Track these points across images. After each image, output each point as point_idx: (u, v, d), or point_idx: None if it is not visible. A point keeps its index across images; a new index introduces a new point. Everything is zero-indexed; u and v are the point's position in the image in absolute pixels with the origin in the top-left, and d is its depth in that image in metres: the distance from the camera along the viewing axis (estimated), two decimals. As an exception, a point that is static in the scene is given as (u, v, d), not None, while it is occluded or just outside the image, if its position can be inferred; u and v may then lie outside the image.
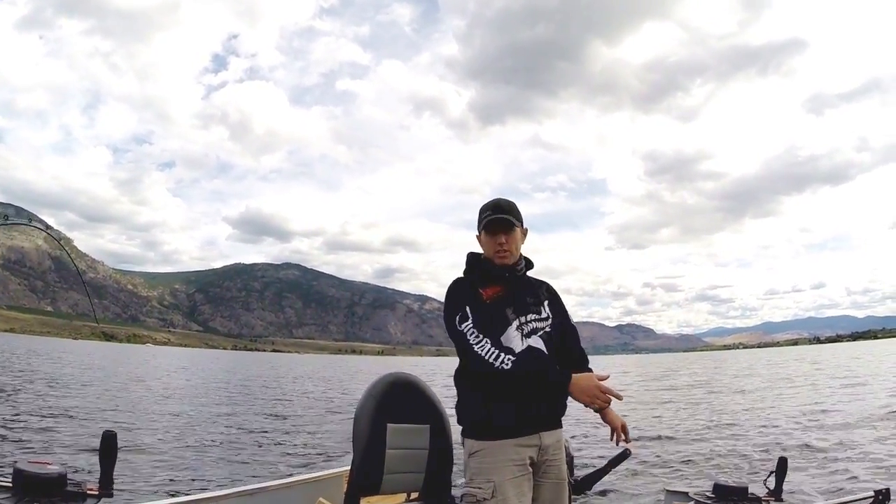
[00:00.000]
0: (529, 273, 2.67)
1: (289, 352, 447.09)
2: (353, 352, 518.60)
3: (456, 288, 2.50)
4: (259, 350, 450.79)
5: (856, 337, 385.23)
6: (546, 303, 2.59)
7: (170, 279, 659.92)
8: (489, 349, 2.29)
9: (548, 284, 2.71)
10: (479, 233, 2.56)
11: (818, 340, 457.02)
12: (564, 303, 2.72)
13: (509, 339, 2.38)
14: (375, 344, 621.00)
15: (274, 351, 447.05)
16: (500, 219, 2.48)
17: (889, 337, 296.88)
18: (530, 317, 2.48)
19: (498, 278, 2.51)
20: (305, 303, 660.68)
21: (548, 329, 2.51)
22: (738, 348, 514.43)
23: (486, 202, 2.59)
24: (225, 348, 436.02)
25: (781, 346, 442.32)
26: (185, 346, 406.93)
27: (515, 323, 2.42)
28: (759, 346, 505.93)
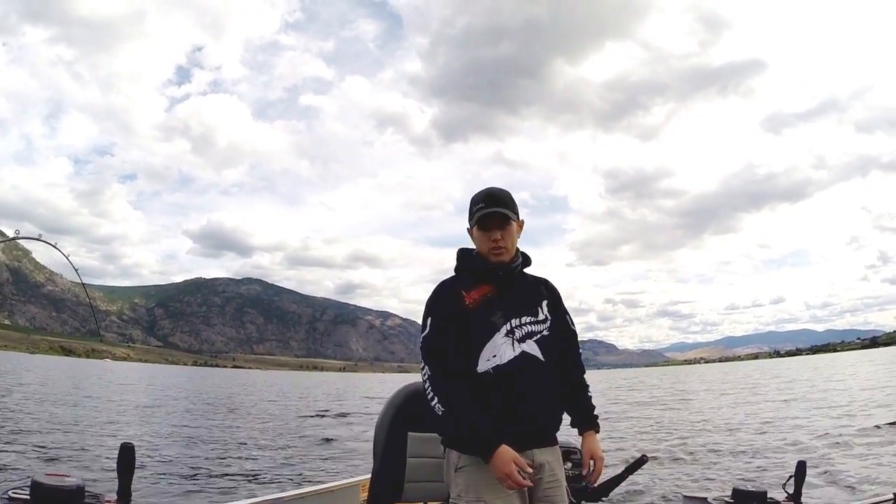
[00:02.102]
0: (527, 270, 2.47)
1: (249, 368, 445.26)
2: (315, 368, 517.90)
3: (432, 294, 2.35)
4: (220, 366, 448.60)
5: (815, 350, 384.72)
6: (545, 303, 2.40)
7: (129, 293, 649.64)
8: (428, 385, 2.19)
9: (548, 282, 2.52)
10: (472, 227, 2.37)
11: (778, 354, 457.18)
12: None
13: (496, 348, 2.22)
14: (337, 360, 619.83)
15: (235, 367, 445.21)
16: (495, 213, 2.29)
17: (848, 350, 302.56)
18: (525, 319, 2.29)
19: (489, 277, 2.33)
20: (266, 318, 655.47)
21: (546, 332, 2.32)
22: (699, 363, 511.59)
23: (477, 192, 2.38)
24: (185, 364, 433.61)
25: (742, 360, 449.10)
26: (145, 361, 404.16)
27: (504, 328, 2.24)
28: (720, 361, 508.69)
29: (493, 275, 2.32)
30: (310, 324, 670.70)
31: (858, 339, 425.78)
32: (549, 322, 2.34)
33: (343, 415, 21.45)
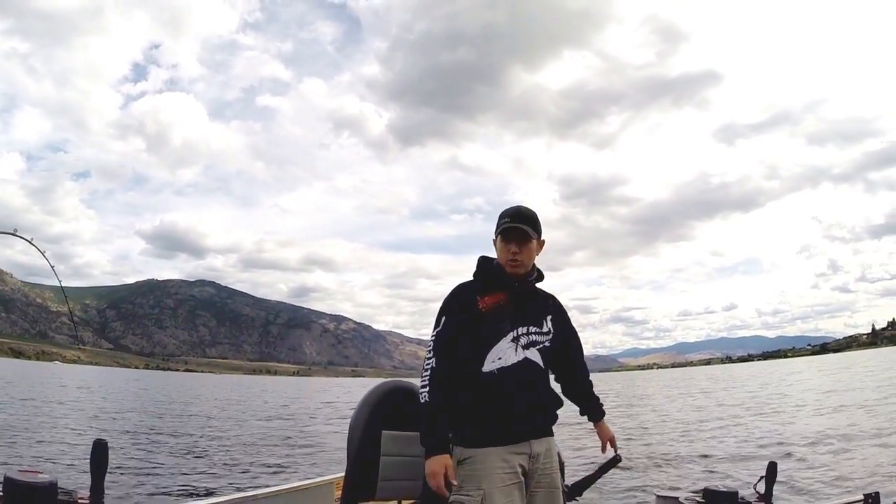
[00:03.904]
0: (539, 285, 2.71)
1: (202, 371, 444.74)
2: (268, 372, 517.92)
3: (450, 295, 2.57)
4: (172, 369, 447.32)
5: (767, 356, 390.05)
6: (549, 317, 2.65)
7: (80, 294, 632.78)
8: (427, 374, 2.42)
9: (555, 298, 2.76)
10: (496, 237, 2.61)
11: (730, 360, 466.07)
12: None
13: (501, 351, 2.46)
14: (290, 364, 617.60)
15: (187, 370, 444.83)
16: (515, 228, 2.53)
17: (799, 356, 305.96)
18: (531, 329, 2.54)
19: (504, 286, 2.56)
20: (219, 321, 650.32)
21: (547, 343, 2.58)
22: (652, 368, 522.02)
23: (508, 207, 2.63)
24: (137, 367, 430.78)
25: (695, 365, 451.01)
26: (96, 364, 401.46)
27: (511, 335, 2.49)
28: (673, 367, 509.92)
29: (508, 284, 2.57)
30: (263, 327, 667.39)
31: (809, 345, 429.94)
32: (551, 335, 2.61)
33: (313, 415, 21.42)
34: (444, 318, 2.50)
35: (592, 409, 2.86)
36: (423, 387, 2.42)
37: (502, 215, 2.60)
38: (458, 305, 2.52)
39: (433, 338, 2.49)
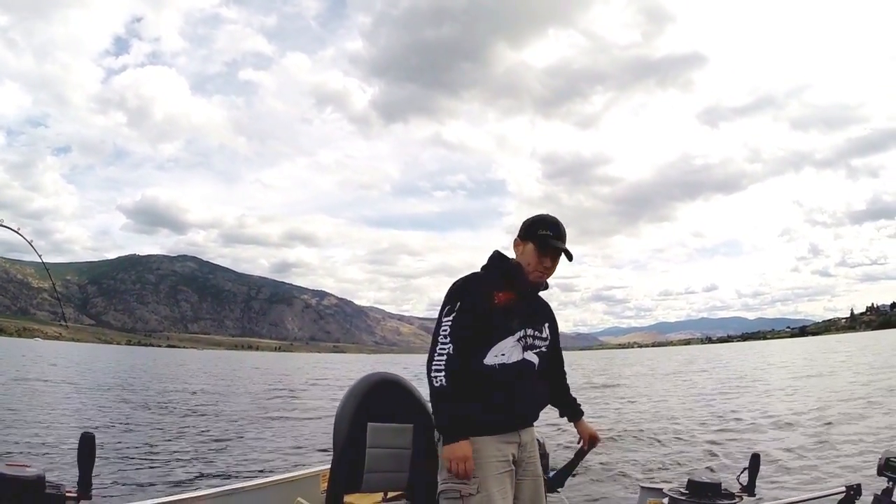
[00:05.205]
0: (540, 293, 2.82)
1: (184, 347, 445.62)
2: (250, 347, 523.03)
3: (463, 282, 2.62)
4: (154, 345, 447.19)
5: (746, 337, 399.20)
6: (547, 325, 2.76)
7: (61, 270, 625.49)
8: (443, 359, 2.46)
9: (550, 307, 2.87)
10: (524, 242, 2.66)
11: (710, 340, 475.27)
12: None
13: (505, 348, 2.55)
14: (272, 340, 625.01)
15: (169, 346, 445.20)
16: (560, 248, 2.62)
17: (777, 338, 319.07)
18: (534, 332, 2.64)
19: (517, 287, 2.64)
20: (201, 296, 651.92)
21: (544, 349, 2.70)
22: (632, 347, 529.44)
23: (543, 215, 2.70)
24: (119, 343, 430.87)
25: (675, 345, 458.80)
26: (78, 340, 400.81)
27: (519, 334, 2.58)
28: (653, 346, 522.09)
29: (521, 287, 2.65)
30: (245, 302, 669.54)
31: (788, 327, 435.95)
32: (548, 341, 2.73)
33: (299, 403, 20.87)
34: (459, 304, 2.52)
35: (572, 411, 2.97)
36: (437, 371, 2.45)
37: (542, 224, 2.65)
38: (473, 294, 2.56)
39: (449, 323, 2.51)
